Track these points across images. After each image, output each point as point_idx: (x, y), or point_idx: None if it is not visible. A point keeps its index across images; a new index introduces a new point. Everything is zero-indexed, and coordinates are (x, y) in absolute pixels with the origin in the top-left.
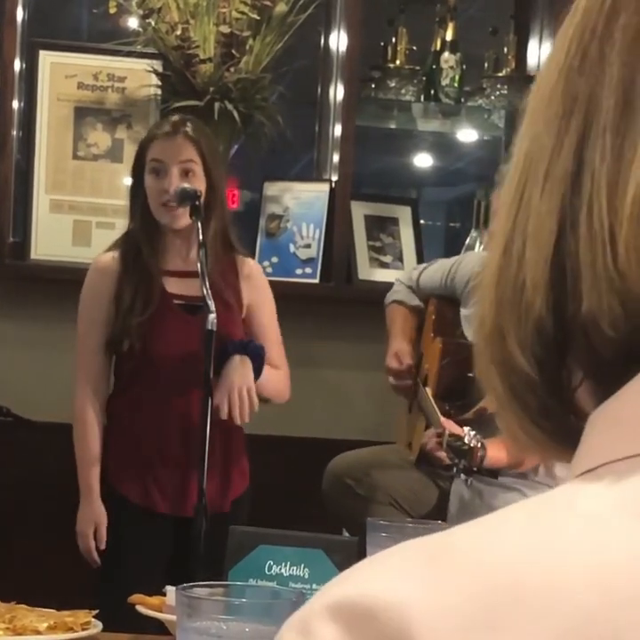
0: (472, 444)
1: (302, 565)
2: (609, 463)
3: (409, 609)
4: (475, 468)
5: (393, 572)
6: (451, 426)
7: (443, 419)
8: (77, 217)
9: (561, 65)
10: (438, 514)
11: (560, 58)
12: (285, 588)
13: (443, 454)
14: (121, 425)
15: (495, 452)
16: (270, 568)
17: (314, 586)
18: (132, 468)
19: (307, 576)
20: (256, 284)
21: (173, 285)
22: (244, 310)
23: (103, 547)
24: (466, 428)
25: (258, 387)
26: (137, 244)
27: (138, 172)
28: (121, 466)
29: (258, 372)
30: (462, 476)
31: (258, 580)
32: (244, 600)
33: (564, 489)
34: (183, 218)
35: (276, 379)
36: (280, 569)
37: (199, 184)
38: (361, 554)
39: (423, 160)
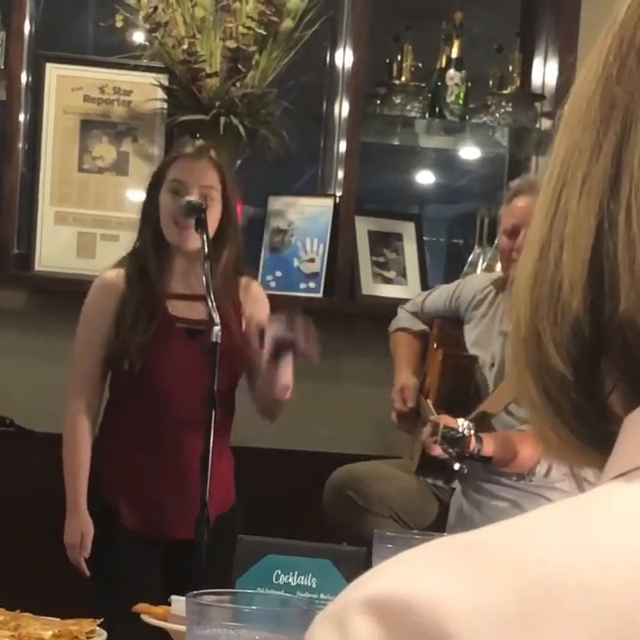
0: (466, 433)
1: (310, 575)
2: None
3: (446, 605)
4: (468, 455)
5: (429, 568)
6: (445, 419)
7: (437, 415)
8: (82, 229)
9: (599, 74)
10: (438, 527)
11: (598, 67)
12: (295, 597)
13: (438, 450)
14: (112, 443)
15: (489, 445)
16: (278, 577)
17: (322, 596)
18: (128, 490)
19: (314, 586)
20: (255, 300)
21: (177, 308)
22: (244, 324)
23: (88, 555)
24: (459, 420)
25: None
26: (143, 262)
27: (154, 190)
28: (114, 484)
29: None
30: (456, 464)
31: (265, 590)
32: (254, 608)
33: (598, 491)
34: (194, 239)
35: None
36: (288, 578)
37: (216, 210)
38: (368, 565)
39: (427, 177)
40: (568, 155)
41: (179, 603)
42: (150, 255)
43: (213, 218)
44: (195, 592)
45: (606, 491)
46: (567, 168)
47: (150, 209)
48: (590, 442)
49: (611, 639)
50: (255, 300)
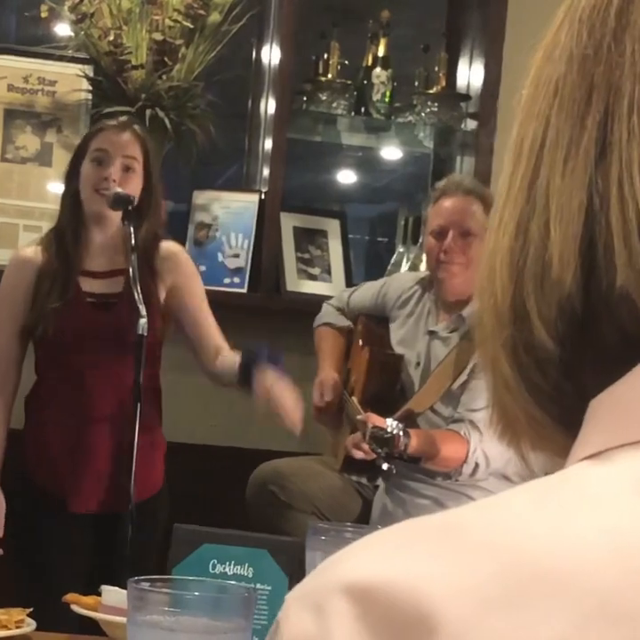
0: (394, 432)
1: (246, 565)
2: (615, 448)
3: (427, 588)
4: (396, 455)
5: (407, 550)
6: (373, 419)
7: (364, 414)
8: (4, 219)
9: (569, 55)
10: (361, 523)
11: (563, 52)
12: (234, 584)
13: (365, 447)
14: (37, 419)
15: (416, 441)
16: (214, 567)
17: (258, 585)
18: (50, 463)
19: (251, 575)
20: (177, 265)
21: (88, 284)
22: (165, 294)
23: (0, 533)
24: (388, 419)
25: None
26: (61, 238)
27: (76, 161)
28: (40, 462)
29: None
30: (385, 464)
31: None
32: (196, 594)
33: (568, 472)
34: (114, 212)
35: None
36: (224, 568)
37: (136, 182)
38: (303, 556)
39: (351, 175)
40: (540, 136)
41: (109, 593)
42: (68, 227)
43: (134, 190)
44: (136, 578)
45: (576, 472)
46: (540, 148)
47: (72, 180)
48: (563, 422)
49: (591, 618)
50: (177, 266)
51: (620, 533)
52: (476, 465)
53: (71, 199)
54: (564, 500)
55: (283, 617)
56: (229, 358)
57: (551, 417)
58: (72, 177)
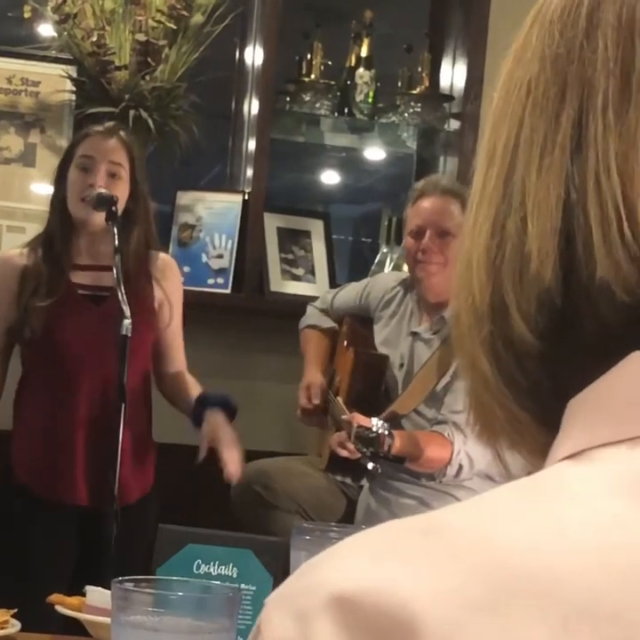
0: (380, 432)
1: (231, 565)
2: (594, 448)
3: (408, 594)
4: (382, 455)
5: (388, 556)
6: (358, 419)
7: (349, 414)
8: None
9: (542, 56)
10: (346, 523)
11: (539, 50)
12: (218, 584)
13: (351, 446)
14: (26, 414)
15: (400, 442)
16: (198, 567)
17: (242, 585)
18: (38, 459)
19: (235, 576)
20: (171, 279)
21: (79, 277)
22: (157, 304)
23: None
24: (373, 419)
25: None
26: (49, 238)
27: (63, 167)
28: (27, 456)
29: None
30: (370, 464)
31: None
32: (180, 594)
33: (549, 472)
34: (99, 217)
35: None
36: (208, 568)
37: (123, 189)
38: (288, 556)
39: (334, 175)
40: (514, 136)
41: (93, 593)
42: (56, 231)
43: (120, 196)
44: (120, 578)
45: (555, 473)
46: (514, 147)
47: (59, 185)
48: (542, 420)
49: (572, 619)
50: (171, 279)
51: (600, 535)
52: (460, 466)
53: (60, 204)
54: (544, 501)
55: (264, 620)
56: (189, 389)
57: (529, 414)
58: (60, 182)
